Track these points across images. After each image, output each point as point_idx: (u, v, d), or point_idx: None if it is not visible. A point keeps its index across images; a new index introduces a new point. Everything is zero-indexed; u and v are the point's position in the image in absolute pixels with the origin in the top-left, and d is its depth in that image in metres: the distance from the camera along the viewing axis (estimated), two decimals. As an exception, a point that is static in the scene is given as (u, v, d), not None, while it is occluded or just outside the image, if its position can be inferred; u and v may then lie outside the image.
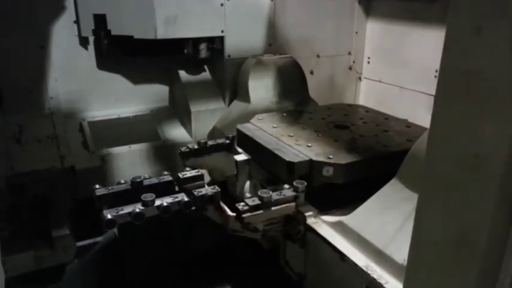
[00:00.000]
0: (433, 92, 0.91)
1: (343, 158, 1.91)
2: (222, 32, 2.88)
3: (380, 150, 2.04)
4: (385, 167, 1.92)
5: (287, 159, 1.91)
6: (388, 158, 1.97)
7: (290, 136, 2.18)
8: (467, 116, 0.85)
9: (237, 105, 2.92)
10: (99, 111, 2.94)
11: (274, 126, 2.32)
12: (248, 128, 2.30)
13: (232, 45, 2.94)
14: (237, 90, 3.00)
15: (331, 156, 1.92)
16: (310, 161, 1.91)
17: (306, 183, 1.86)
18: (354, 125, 2.36)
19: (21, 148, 2.54)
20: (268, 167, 2.11)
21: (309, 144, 2.06)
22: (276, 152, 1.99)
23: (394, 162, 1.88)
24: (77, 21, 2.68)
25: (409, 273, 1.08)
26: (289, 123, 2.39)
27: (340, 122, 2.40)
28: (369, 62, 3.63)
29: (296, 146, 2.04)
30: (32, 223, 1.94)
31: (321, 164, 1.89)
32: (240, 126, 2.33)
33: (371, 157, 1.97)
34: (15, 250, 1.58)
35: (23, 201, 2.11)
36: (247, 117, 2.55)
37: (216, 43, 2.91)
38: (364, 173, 1.94)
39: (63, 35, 2.67)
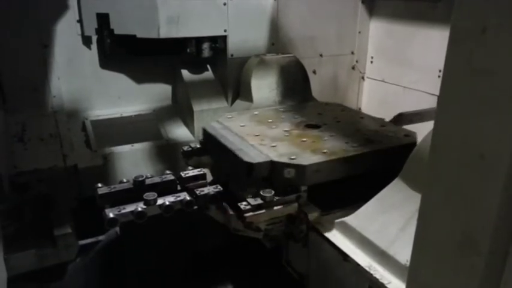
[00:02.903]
0: (437, 92, 0.90)
1: (306, 159, 1.81)
2: (225, 31, 2.87)
3: (347, 151, 1.93)
4: (351, 169, 1.87)
5: (246, 159, 1.81)
6: (355, 159, 1.89)
7: (256, 136, 2.08)
8: (472, 116, 0.84)
9: (240, 105, 2.92)
10: (102, 110, 2.94)
11: (242, 125, 2.23)
12: (214, 128, 2.20)
13: (235, 45, 2.93)
14: (239, 90, 2.99)
15: (293, 157, 1.82)
16: (271, 162, 1.81)
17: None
18: (325, 125, 2.26)
19: (24, 147, 2.55)
20: (230, 168, 2.00)
21: (274, 144, 1.97)
22: (237, 152, 1.89)
23: (361, 164, 1.86)
24: (80, 21, 2.68)
25: (412, 274, 1.07)
26: (259, 122, 2.30)
27: (312, 121, 2.30)
28: (372, 62, 3.62)
29: (259, 146, 1.95)
30: (34, 222, 1.94)
31: (282, 165, 1.79)
32: (206, 126, 2.23)
33: (336, 159, 1.86)
34: (17, 248, 1.58)
35: (25, 199, 2.11)
36: (249, 116, 2.55)
37: (218, 42, 2.90)
38: (329, 176, 1.85)
39: (66, 34, 2.68)
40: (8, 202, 1.88)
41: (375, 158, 1.94)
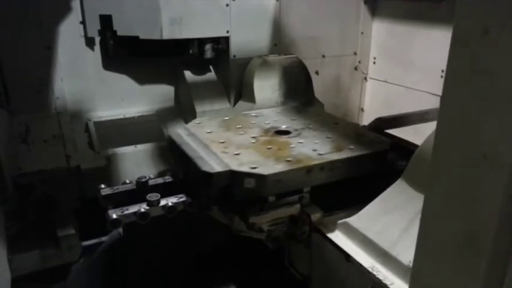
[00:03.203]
0: (439, 92, 0.91)
1: (268, 169, 1.71)
2: (228, 32, 2.88)
3: (313, 160, 1.81)
4: (317, 179, 1.80)
5: (204, 169, 1.71)
6: (319, 168, 1.79)
7: (221, 143, 1.98)
8: (474, 116, 0.84)
9: (243, 106, 2.92)
10: (105, 112, 2.95)
11: (209, 131, 2.12)
12: (178, 134, 2.11)
13: (238, 46, 2.94)
14: (242, 91, 3.00)
15: (254, 166, 1.72)
16: (230, 171, 1.71)
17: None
18: (296, 131, 2.15)
19: (28, 148, 2.56)
20: (192, 177, 1.91)
21: (237, 152, 1.87)
22: (196, 160, 1.79)
23: (327, 173, 1.77)
24: (83, 22, 2.69)
25: (415, 274, 1.07)
26: (228, 127, 2.18)
27: (283, 127, 2.19)
28: (374, 62, 3.62)
29: (222, 154, 1.85)
30: (37, 222, 1.95)
31: (242, 175, 1.69)
32: (171, 132, 2.13)
33: (299, 168, 1.76)
34: (21, 249, 1.59)
35: (29, 200, 2.12)
36: (252, 117, 2.54)
37: (221, 43, 2.91)
38: (292, 186, 1.77)
39: (69, 36, 2.68)
40: (11, 203, 1.88)
41: (342, 167, 1.85)
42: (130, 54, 2.84)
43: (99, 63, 2.87)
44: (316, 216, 1.83)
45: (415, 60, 3.19)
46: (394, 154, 2.46)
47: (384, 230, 1.61)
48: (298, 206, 1.83)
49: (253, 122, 2.26)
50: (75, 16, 2.67)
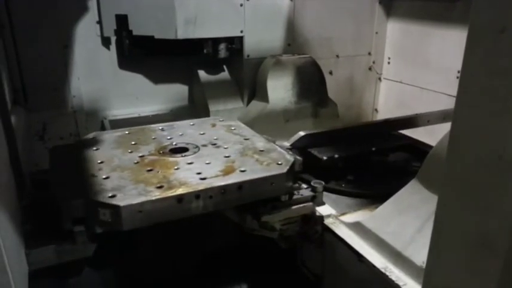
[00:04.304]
0: (454, 93, 0.90)
1: (129, 197, 1.41)
2: (241, 32, 2.89)
3: (188, 187, 1.50)
4: (191, 209, 1.51)
5: (57, 196, 1.46)
6: (196, 197, 1.49)
7: (98, 163, 1.67)
8: (490, 116, 0.84)
9: (256, 105, 2.93)
10: (120, 110, 2.99)
11: (95, 148, 1.81)
12: (59, 151, 1.85)
13: (251, 45, 2.95)
14: (255, 90, 3.01)
15: (113, 195, 1.42)
16: (84, 200, 1.43)
17: (323, 183, 1.85)
18: (196, 148, 1.84)
19: (45, 145, 2.61)
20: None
21: (108, 176, 1.56)
22: (57, 186, 1.54)
23: (207, 203, 1.51)
24: (99, 22, 2.73)
25: (428, 275, 1.07)
26: (120, 143, 1.88)
27: (182, 144, 1.88)
28: (389, 63, 3.59)
29: (89, 178, 1.55)
30: (53, 218, 1.98)
31: (96, 205, 1.40)
32: (53, 148, 1.88)
33: (166, 197, 1.44)
34: (37, 244, 1.62)
35: (45, 196, 2.16)
36: (265, 116, 2.55)
37: (235, 43, 2.93)
38: (160, 217, 1.46)
39: (86, 35, 2.73)
40: (29, 199, 1.92)
41: (225, 194, 1.55)
42: (145, 53, 2.87)
43: (115, 63, 2.91)
44: (328, 215, 1.84)
45: (430, 60, 3.16)
46: (408, 155, 2.45)
47: (397, 231, 1.61)
48: (310, 205, 1.83)
49: (154, 137, 1.96)
50: (91, 16, 2.71)
